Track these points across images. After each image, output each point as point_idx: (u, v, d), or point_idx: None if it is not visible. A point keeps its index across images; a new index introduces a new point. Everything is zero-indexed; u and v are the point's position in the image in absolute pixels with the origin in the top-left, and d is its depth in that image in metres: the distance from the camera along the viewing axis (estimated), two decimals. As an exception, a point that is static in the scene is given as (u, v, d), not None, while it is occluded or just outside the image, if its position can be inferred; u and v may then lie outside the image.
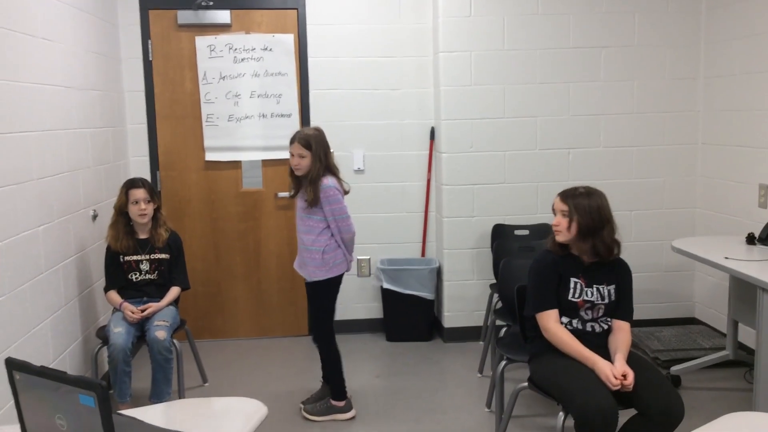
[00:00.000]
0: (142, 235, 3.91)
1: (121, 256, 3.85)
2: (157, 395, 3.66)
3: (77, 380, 1.49)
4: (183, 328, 3.99)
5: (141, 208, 3.82)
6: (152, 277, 3.89)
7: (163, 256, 3.92)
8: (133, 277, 3.87)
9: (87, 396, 1.48)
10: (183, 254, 4.05)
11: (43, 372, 1.55)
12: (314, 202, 3.53)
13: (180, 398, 3.86)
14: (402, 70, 4.96)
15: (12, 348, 3.03)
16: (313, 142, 3.55)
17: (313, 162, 3.55)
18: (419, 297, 4.89)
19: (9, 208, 3.04)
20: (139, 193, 3.83)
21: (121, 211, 3.86)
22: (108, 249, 3.88)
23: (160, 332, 3.62)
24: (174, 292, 3.93)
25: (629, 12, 4.77)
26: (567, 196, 2.92)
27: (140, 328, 3.74)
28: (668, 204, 4.96)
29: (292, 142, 3.58)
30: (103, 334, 3.77)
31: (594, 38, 4.77)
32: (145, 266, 3.88)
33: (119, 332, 3.60)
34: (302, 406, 3.84)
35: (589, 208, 2.84)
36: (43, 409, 1.58)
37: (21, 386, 1.61)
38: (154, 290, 3.89)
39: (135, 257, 3.87)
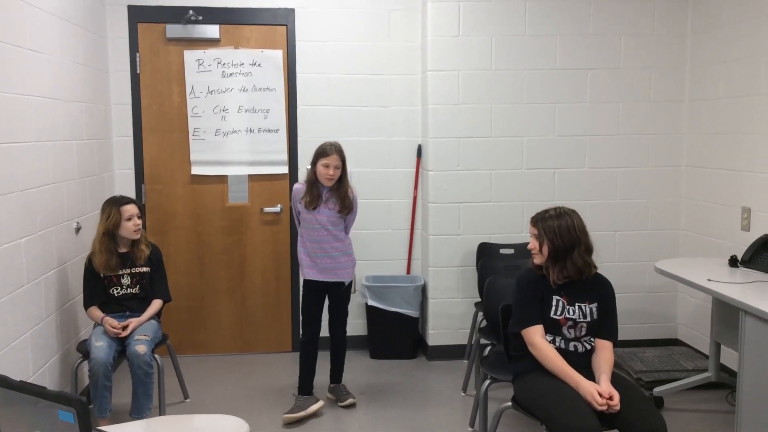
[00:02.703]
0: (123, 249, 3.87)
1: (103, 272, 3.81)
2: (137, 411, 3.62)
3: (57, 396, 1.47)
4: (165, 343, 3.95)
5: (136, 223, 3.80)
6: (134, 291, 3.85)
7: (144, 269, 3.89)
8: (115, 291, 3.82)
9: (66, 412, 1.46)
10: (163, 265, 4.02)
11: (22, 387, 1.53)
12: (349, 210, 3.95)
13: (161, 415, 3.81)
14: (390, 88, 4.98)
15: (-10, 361, 2.99)
16: (344, 156, 3.89)
17: (343, 173, 3.90)
18: (404, 314, 4.88)
19: (-9, 219, 3.01)
20: (132, 209, 3.81)
21: (112, 232, 3.78)
22: (88, 266, 3.82)
23: (140, 346, 3.58)
24: (156, 305, 3.90)
25: (616, 35, 4.83)
26: (537, 219, 2.98)
27: (121, 343, 3.69)
28: (652, 225, 5.00)
29: (328, 153, 3.83)
30: (83, 349, 3.73)
31: (581, 60, 4.82)
32: (126, 280, 3.84)
33: (101, 346, 3.56)
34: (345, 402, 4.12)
35: (558, 230, 2.88)
36: (21, 425, 1.55)
37: (-1, 401, 1.59)
38: (136, 304, 3.85)
39: (116, 272, 3.83)
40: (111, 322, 3.69)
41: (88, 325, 4.22)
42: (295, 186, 4.03)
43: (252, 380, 4.58)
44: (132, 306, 3.84)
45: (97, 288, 3.81)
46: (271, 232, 5.00)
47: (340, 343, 4.16)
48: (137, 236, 3.84)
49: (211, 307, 5.04)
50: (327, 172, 3.82)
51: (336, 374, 4.22)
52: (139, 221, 3.83)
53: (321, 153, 3.84)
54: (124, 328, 3.69)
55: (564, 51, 4.81)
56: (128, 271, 3.85)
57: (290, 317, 5.09)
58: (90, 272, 3.82)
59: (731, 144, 4.41)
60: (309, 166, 3.99)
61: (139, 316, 3.79)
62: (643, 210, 4.98)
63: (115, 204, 3.80)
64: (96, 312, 3.78)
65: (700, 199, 4.78)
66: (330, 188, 3.89)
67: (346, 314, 4.14)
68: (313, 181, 3.89)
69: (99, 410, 3.55)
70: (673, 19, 4.85)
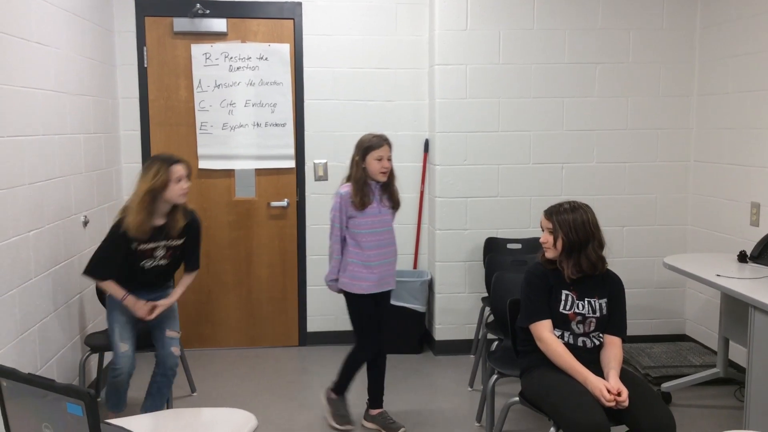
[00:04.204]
0: (158, 221, 3.47)
1: (135, 244, 3.42)
2: (155, 408, 3.53)
3: (65, 388, 1.47)
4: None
5: (183, 187, 3.43)
6: (165, 263, 3.55)
7: (179, 242, 3.57)
8: (146, 264, 3.49)
9: (75, 405, 1.46)
10: (200, 237, 3.72)
11: (31, 379, 1.53)
12: (399, 206, 3.71)
13: (168, 408, 3.82)
14: (397, 82, 4.97)
15: (-1, 354, 3.00)
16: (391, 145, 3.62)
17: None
18: (410, 309, 4.87)
19: (0, 212, 3.01)
20: (182, 170, 3.44)
21: (156, 193, 3.37)
22: (117, 235, 3.39)
23: (175, 348, 3.47)
24: (187, 280, 3.69)
25: (624, 29, 4.80)
26: (551, 212, 2.95)
27: (137, 324, 3.53)
28: (660, 220, 4.98)
29: (379, 145, 3.50)
30: (91, 342, 3.73)
31: (589, 54, 4.80)
32: (160, 252, 3.51)
33: (125, 353, 3.36)
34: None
35: (573, 224, 2.87)
36: (29, 417, 1.55)
37: (8, 393, 1.59)
38: (161, 280, 3.62)
39: (151, 245, 3.46)
40: (139, 305, 3.44)
41: (96, 318, 4.23)
42: (344, 190, 3.55)
43: (259, 374, 4.58)
44: (156, 282, 3.60)
45: (120, 260, 3.43)
46: (278, 226, 4.99)
47: (383, 361, 3.78)
48: (183, 200, 3.47)
49: (217, 302, 5.04)
50: (383, 165, 3.50)
51: (378, 397, 3.81)
52: (187, 185, 3.46)
53: (369, 147, 3.50)
54: (152, 309, 3.48)
55: (572, 45, 4.78)
56: (164, 242, 3.50)
57: (297, 312, 5.09)
58: (118, 239, 3.39)
59: (740, 139, 4.39)
60: (352, 166, 3.58)
61: (159, 292, 3.60)
62: (651, 205, 4.96)
63: (164, 162, 3.41)
64: (116, 288, 3.45)
65: (708, 194, 4.75)
66: (382, 185, 3.59)
67: (384, 327, 3.74)
68: (363, 179, 3.53)
69: (116, 407, 3.51)
70: (682, 14, 4.82)
